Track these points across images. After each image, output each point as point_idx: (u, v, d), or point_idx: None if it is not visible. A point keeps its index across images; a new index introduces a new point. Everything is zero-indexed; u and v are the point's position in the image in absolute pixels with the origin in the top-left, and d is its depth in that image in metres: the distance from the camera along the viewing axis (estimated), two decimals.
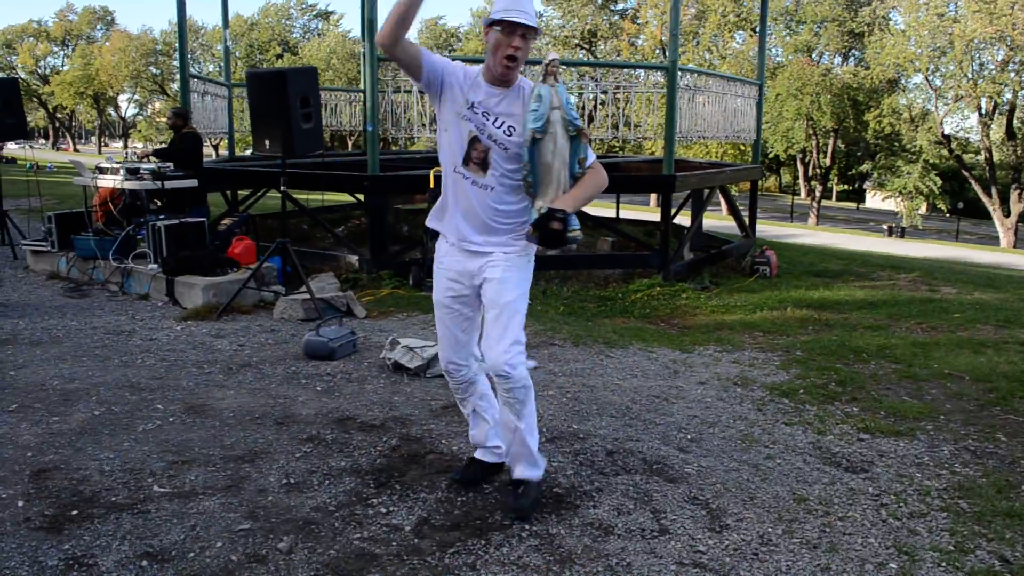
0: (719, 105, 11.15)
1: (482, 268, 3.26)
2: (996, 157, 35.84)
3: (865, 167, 45.66)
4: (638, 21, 44.67)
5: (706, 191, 11.52)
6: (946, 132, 36.26)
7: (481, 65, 3.22)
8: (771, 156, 43.85)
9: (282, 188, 7.15)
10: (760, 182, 13.75)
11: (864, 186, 56.95)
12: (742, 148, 29.97)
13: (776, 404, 5.03)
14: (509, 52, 3.04)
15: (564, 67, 11.15)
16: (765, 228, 19.40)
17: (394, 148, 16.18)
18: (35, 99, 70.02)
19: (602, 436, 4.30)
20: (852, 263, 13.26)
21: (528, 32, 3.04)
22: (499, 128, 3.14)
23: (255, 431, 4.20)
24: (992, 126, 35.42)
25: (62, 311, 6.91)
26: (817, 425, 4.66)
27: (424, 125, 9.70)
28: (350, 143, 35.84)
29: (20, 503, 3.33)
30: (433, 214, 3.40)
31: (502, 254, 3.25)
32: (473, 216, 3.23)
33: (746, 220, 12.81)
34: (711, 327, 7.42)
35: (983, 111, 34.88)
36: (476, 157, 3.16)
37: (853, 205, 58.07)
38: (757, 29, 36.99)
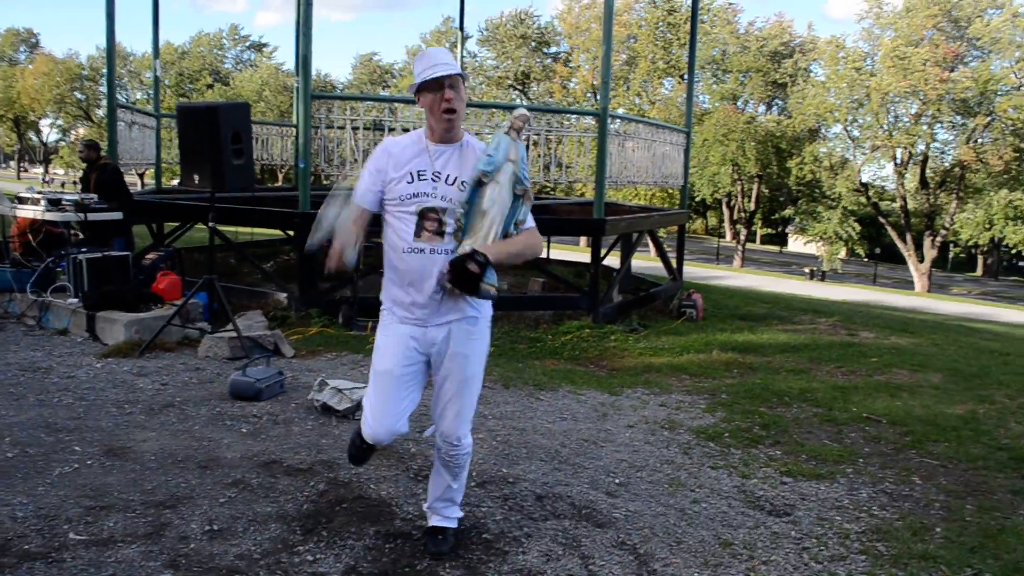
0: (648, 151, 11.41)
1: (445, 339, 3.17)
2: (910, 205, 37.39)
3: (788, 212, 47.15)
4: (570, 65, 45.50)
5: (635, 234, 11.73)
6: (864, 180, 37.72)
7: (420, 130, 3.19)
8: (698, 199, 44.92)
9: (211, 224, 7.04)
10: (687, 225, 14.08)
11: (787, 230, 58.75)
12: (670, 192, 30.64)
13: (702, 447, 5.12)
14: (444, 105, 3.02)
15: (480, 109, 11.32)
16: (692, 270, 19.80)
17: (325, 183, 16.09)
18: None
19: (531, 480, 4.32)
20: (775, 306, 13.63)
21: (454, 80, 3.02)
22: (452, 186, 3.07)
23: (177, 475, 4.09)
24: (907, 175, 37.01)
25: None
26: (742, 468, 4.76)
27: (356, 160, 9.69)
28: (280, 176, 35.50)
29: None
30: (385, 292, 3.26)
31: (466, 324, 3.19)
32: (428, 287, 3.10)
33: (673, 263, 13.07)
34: (639, 369, 7.53)
35: (898, 161, 36.42)
36: (429, 226, 3.06)
37: (776, 248, 59.77)
38: (685, 76, 38.08)
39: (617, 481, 4.42)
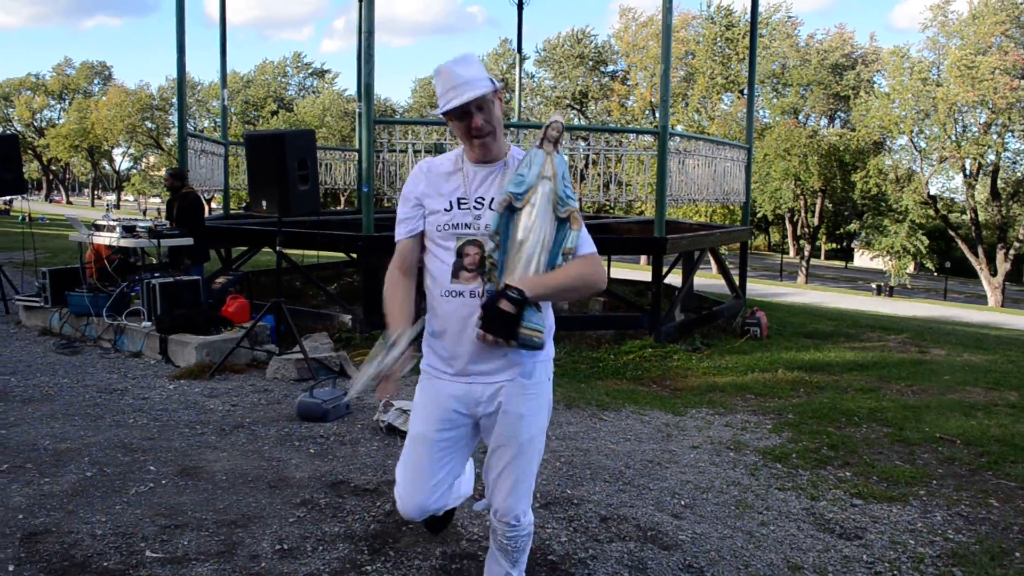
0: (709, 167, 11.34)
1: (493, 396, 2.66)
2: (981, 217, 36.39)
3: (853, 226, 46.20)
4: (628, 83, 45.49)
5: (697, 252, 11.64)
6: (931, 193, 36.84)
7: (460, 149, 2.73)
8: (759, 215, 44.37)
9: (278, 248, 7.21)
10: (749, 241, 13.92)
11: (852, 245, 57.56)
12: (731, 208, 30.35)
13: (769, 469, 5.04)
14: (474, 133, 2.57)
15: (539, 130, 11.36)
16: (754, 287, 19.55)
17: (387, 205, 16.34)
18: (30, 151, 70.44)
19: (596, 501, 4.30)
20: (842, 323, 13.35)
21: (481, 102, 2.54)
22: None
23: (248, 495, 4.18)
24: (977, 187, 36.02)
25: (54, 368, 6.89)
26: (810, 490, 4.67)
27: None
28: (343, 199, 36.14)
29: (11, 567, 3.30)
30: (424, 340, 2.78)
31: (520, 379, 2.66)
32: (469, 338, 2.59)
33: (736, 280, 12.93)
34: (703, 389, 7.45)
35: (967, 172, 35.50)
36: (470, 263, 2.59)
37: (841, 264, 58.59)
38: (745, 91, 37.75)
39: (683, 503, 4.38)
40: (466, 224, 2.60)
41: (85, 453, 4.71)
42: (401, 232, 2.70)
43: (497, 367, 2.63)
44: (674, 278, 12.18)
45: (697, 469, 4.97)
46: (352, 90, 58.54)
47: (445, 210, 2.63)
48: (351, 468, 4.64)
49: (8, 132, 51.45)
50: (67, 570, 3.31)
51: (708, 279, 17.69)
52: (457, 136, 2.66)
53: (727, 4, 40.11)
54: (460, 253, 2.60)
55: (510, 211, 2.52)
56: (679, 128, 35.96)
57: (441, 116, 2.62)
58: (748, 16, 15.06)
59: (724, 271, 12.99)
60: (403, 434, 5.21)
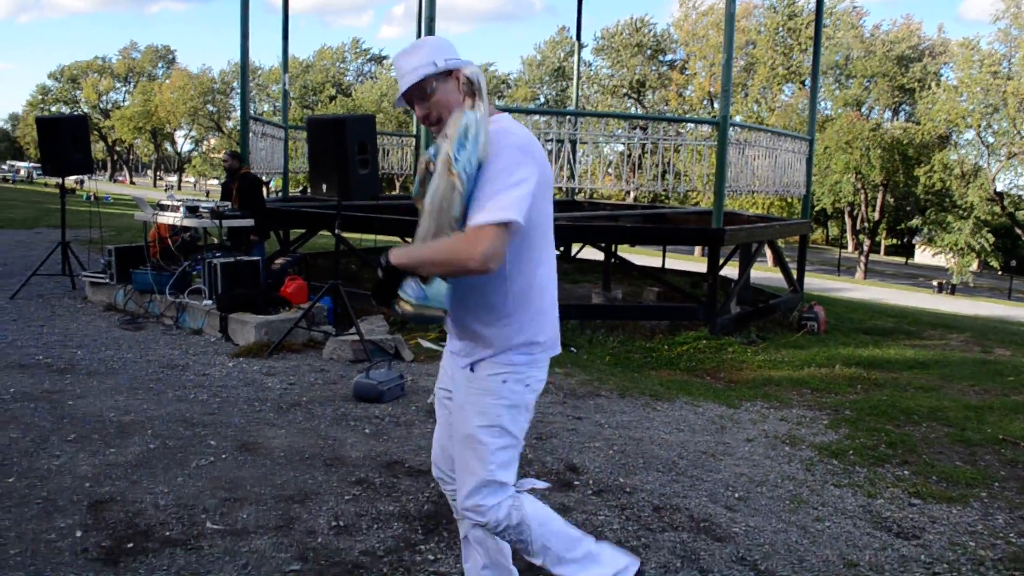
0: (769, 159, 11.16)
1: (455, 365, 2.59)
2: None
3: (915, 222, 45.13)
4: (686, 72, 44.97)
5: (755, 244, 11.48)
6: (998, 189, 35.77)
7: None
8: (818, 209, 43.55)
9: (337, 231, 7.30)
10: (808, 235, 13.68)
11: (913, 241, 56.22)
12: (789, 201, 29.85)
13: (825, 465, 4.97)
14: (422, 122, 2.51)
15: (596, 119, 11.31)
16: (812, 281, 19.19)
17: None
18: (96, 132, 72.30)
19: (648, 491, 4.29)
20: (902, 320, 13.08)
21: (419, 92, 2.42)
22: None
23: (305, 471, 4.26)
24: None
25: (118, 343, 7.08)
26: (867, 488, 4.59)
27: None
28: (398, 185, 36.40)
29: (78, 533, 3.41)
30: None
31: (469, 367, 2.50)
32: (456, 307, 2.44)
33: (794, 274, 12.72)
34: (758, 383, 7.36)
35: None
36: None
37: (902, 260, 57.29)
38: (806, 82, 37.01)
39: (736, 495, 4.34)
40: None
41: (148, 426, 4.84)
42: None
43: (459, 348, 2.55)
44: (730, 270, 12.04)
45: (751, 462, 4.93)
46: None
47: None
48: (405, 449, 4.69)
49: (76, 113, 52.91)
50: (131, 538, 3.40)
51: (765, 272, 17.45)
52: None
53: None
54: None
55: (429, 175, 2.34)
56: (738, 118, 35.45)
57: None
58: (812, 6, 14.72)
59: (782, 264, 12.78)
60: None
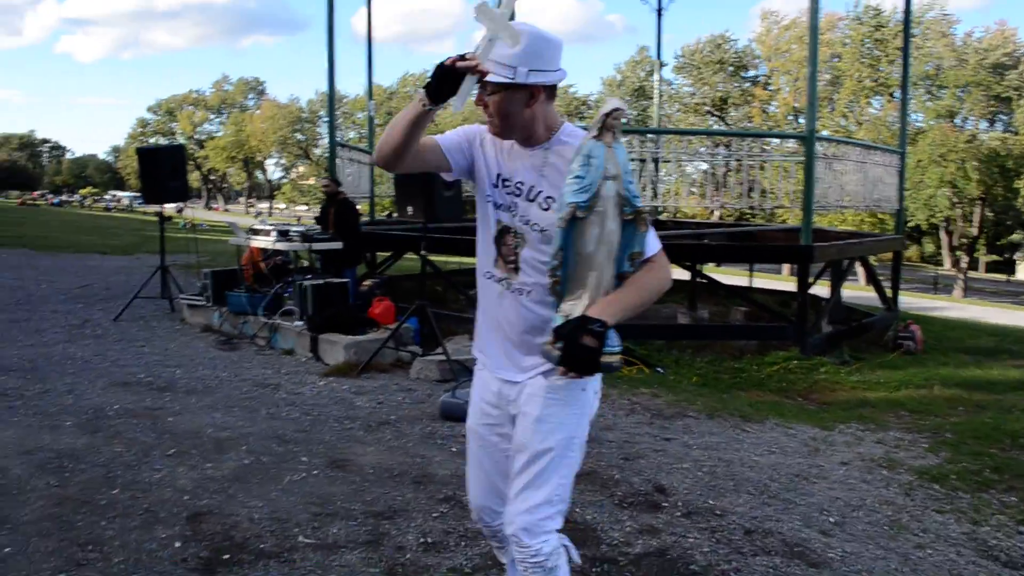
0: (858, 174, 10.87)
1: (518, 396, 2.43)
2: None
3: (1016, 237, 43.22)
4: (770, 88, 44.30)
5: (845, 262, 11.18)
6: None
7: None
8: (912, 224, 42.16)
9: (423, 253, 7.41)
10: (901, 251, 13.25)
11: (1015, 257, 53.83)
12: (880, 217, 29.00)
13: (926, 490, 4.77)
14: (485, 113, 2.32)
15: (679, 137, 11.20)
16: (908, 300, 18.57)
17: None
18: (191, 162, 75.44)
19: (739, 514, 4.19)
20: (1005, 340, 12.51)
21: (495, 88, 2.24)
22: (533, 202, 2.33)
23: (394, 488, 4.31)
24: None
25: (214, 362, 7.32)
26: (972, 514, 4.39)
27: None
28: None
29: (177, 544, 3.53)
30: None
31: (543, 380, 2.37)
32: (504, 333, 2.44)
33: (888, 292, 12.32)
34: (853, 404, 7.14)
35: None
36: (507, 253, 2.38)
37: (1003, 277, 54.86)
38: (895, 94, 35.99)
39: (832, 520, 4.21)
40: (506, 206, 2.37)
41: (243, 442, 4.98)
42: (443, 138, 2.40)
43: (529, 364, 2.40)
44: (820, 289, 11.74)
45: (847, 486, 4.77)
46: None
47: (492, 184, 2.40)
48: None
49: (174, 143, 55.22)
50: (227, 549, 3.50)
51: (857, 291, 16.94)
52: None
53: (876, 3, 38.48)
54: (498, 240, 2.40)
55: (571, 222, 2.15)
56: (825, 133, 34.71)
57: None
58: (900, 15, 14.34)
59: (875, 282, 12.39)
60: None
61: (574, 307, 2.19)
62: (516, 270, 2.37)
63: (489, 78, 2.19)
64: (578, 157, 2.15)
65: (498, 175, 2.38)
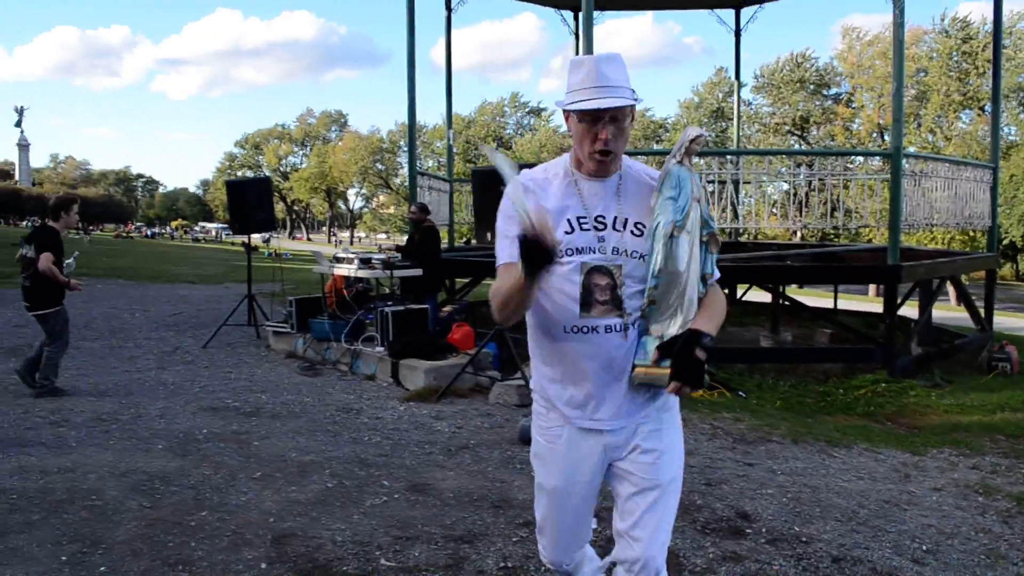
0: (948, 190, 10.53)
1: (631, 437, 2.36)
2: None
3: None
4: (852, 105, 43.30)
5: (935, 281, 10.81)
6: None
7: (564, 158, 2.38)
8: (1005, 242, 40.48)
9: None
10: (995, 269, 12.74)
11: None
12: (971, 234, 27.96)
13: None
14: (599, 147, 2.22)
15: (759, 157, 11.02)
16: (1002, 320, 17.79)
17: None
18: (276, 193, 77.78)
19: (827, 541, 4.07)
20: None
21: (618, 113, 2.19)
22: (623, 232, 2.27)
23: (473, 512, 4.33)
24: None
25: (298, 388, 7.49)
26: None
27: None
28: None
29: (263, 565, 3.61)
30: (539, 391, 2.51)
31: (655, 412, 2.36)
32: (614, 376, 2.29)
33: (981, 312, 11.85)
34: (945, 428, 6.87)
35: None
36: (601, 295, 2.24)
37: None
38: (986, 108, 34.75)
39: (924, 548, 4.05)
40: (590, 248, 2.25)
41: (326, 466, 5.07)
42: (513, 254, 2.08)
43: (636, 406, 2.33)
44: (908, 310, 11.37)
45: (940, 513, 4.59)
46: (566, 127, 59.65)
47: (566, 232, 2.25)
48: None
49: (261, 175, 57.04)
50: (311, 572, 3.56)
51: (948, 311, 16.34)
52: (574, 141, 2.28)
53: (963, 16, 37.33)
54: (588, 283, 2.24)
55: (669, 240, 2.20)
56: (911, 149, 33.69)
57: (565, 109, 2.25)
58: (989, 26, 13.86)
59: (967, 302, 11.94)
60: None
61: (667, 327, 2.22)
62: (619, 306, 2.24)
63: (614, 104, 2.16)
64: (667, 180, 2.23)
65: (571, 217, 2.27)
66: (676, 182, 2.21)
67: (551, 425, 2.44)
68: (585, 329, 2.25)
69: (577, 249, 2.25)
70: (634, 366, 2.25)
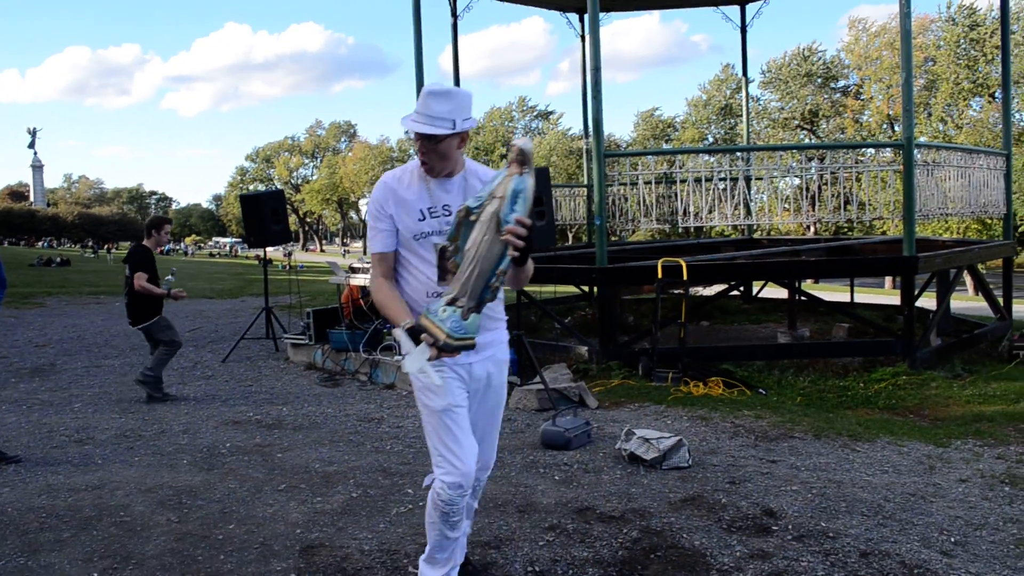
0: (961, 179, 10.47)
1: (482, 366, 3.08)
2: None
3: None
4: (861, 97, 43.14)
5: (952, 271, 10.75)
6: None
7: (416, 161, 2.99)
8: (1022, 229, 40.21)
9: None
10: (1013, 257, 12.63)
11: None
12: (987, 222, 27.77)
13: None
14: (421, 158, 2.91)
15: (769, 153, 10.98)
16: (1022, 308, 17.68)
17: (613, 239, 16.45)
18: (288, 205, 78.08)
19: (854, 535, 4.06)
20: None
21: (431, 142, 2.82)
22: None
23: (499, 518, 4.34)
24: None
25: (319, 399, 7.53)
26: None
27: (646, 215, 9.84)
28: (571, 235, 36.86)
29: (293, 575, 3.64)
30: None
31: (497, 353, 3.16)
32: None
33: (1000, 301, 11.77)
34: (968, 419, 6.83)
35: None
36: (451, 266, 2.73)
37: None
38: (996, 94, 34.57)
39: (953, 540, 4.03)
40: (439, 232, 2.91)
41: (350, 475, 5.10)
42: (385, 244, 2.99)
43: (481, 344, 2.89)
44: (925, 301, 11.31)
45: (967, 504, 4.57)
46: (575, 129, 59.71)
47: (418, 220, 2.93)
48: (596, 495, 4.69)
49: (274, 188, 57.33)
50: None
51: (966, 301, 16.22)
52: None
53: (969, 3, 37.11)
54: (441, 258, 2.80)
55: (465, 221, 2.66)
56: (923, 139, 33.51)
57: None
58: (996, 12, 13.77)
59: (985, 291, 11.86)
60: (645, 463, 5.20)
61: (451, 293, 2.68)
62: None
63: (425, 132, 2.79)
64: (492, 177, 2.75)
65: (424, 208, 2.94)
66: (492, 179, 2.70)
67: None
68: (440, 294, 2.76)
69: (429, 233, 2.93)
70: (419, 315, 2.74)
